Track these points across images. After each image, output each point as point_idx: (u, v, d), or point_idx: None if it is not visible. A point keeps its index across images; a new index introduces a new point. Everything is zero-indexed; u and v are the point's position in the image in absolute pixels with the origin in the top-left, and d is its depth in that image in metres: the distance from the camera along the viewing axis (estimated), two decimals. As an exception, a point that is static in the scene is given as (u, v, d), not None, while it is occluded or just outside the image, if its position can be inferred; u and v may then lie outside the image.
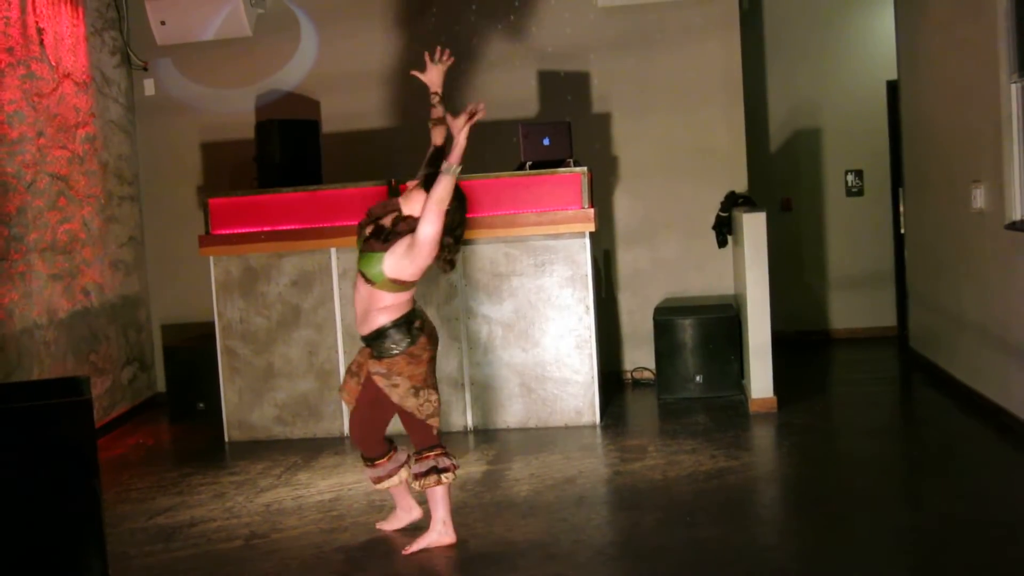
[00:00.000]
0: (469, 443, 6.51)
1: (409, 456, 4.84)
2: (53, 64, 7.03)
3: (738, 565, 4.22)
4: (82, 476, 3.31)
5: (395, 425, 4.74)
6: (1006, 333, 5.97)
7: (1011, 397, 5.92)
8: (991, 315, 6.27)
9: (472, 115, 4.38)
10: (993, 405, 6.19)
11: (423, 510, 4.91)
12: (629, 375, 8.05)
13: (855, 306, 9.37)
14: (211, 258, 6.96)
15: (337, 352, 6.85)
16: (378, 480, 4.83)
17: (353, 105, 8.13)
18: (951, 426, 6.34)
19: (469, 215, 6.50)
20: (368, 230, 4.56)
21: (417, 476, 4.62)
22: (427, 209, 4.32)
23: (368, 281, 4.48)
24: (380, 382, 4.55)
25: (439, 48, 4.69)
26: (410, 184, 4.69)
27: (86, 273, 7.30)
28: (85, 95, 7.48)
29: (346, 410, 6.85)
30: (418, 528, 4.83)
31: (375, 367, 4.57)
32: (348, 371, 4.81)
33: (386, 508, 5.24)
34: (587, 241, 6.72)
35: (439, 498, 4.63)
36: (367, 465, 4.82)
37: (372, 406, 4.67)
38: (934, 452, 5.83)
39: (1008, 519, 4.56)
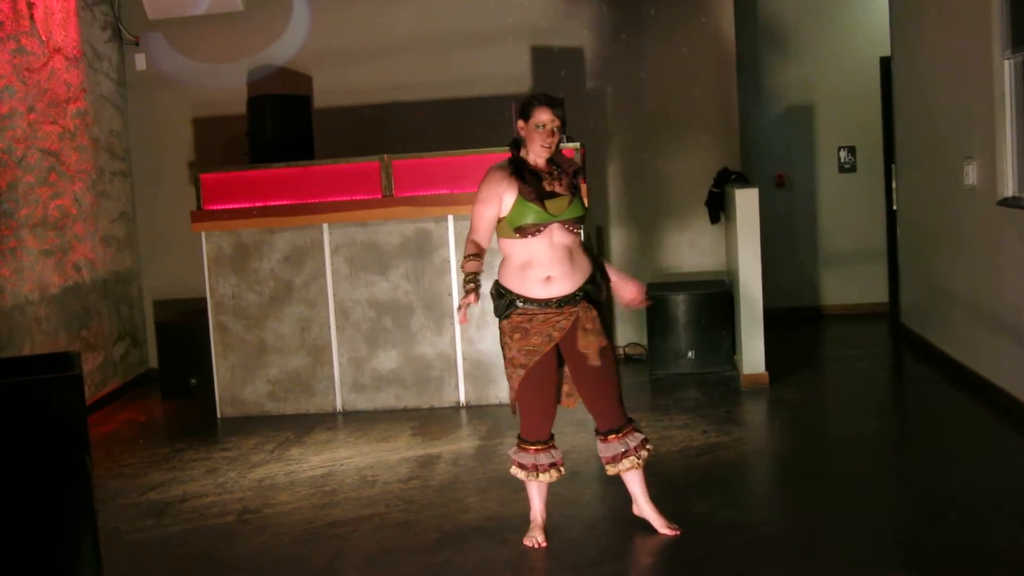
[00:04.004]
0: (461, 419, 6.53)
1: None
2: (43, 39, 6.99)
3: (729, 539, 4.24)
4: (73, 452, 3.31)
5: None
6: (997, 309, 5.99)
7: (1001, 372, 5.95)
8: (982, 291, 6.29)
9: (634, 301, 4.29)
10: (983, 380, 6.21)
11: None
12: (621, 351, 8.05)
13: (847, 282, 9.38)
14: (203, 234, 6.94)
15: (329, 328, 6.85)
16: (618, 459, 4.26)
17: (345, 80, 8.10)
18: (942, 401, 6.38)
19: (460, 191, 6.58)
20: (562, 181, 4.14)
21: (620, 458, 4.27)
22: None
23: (576, 227, 4.13)
24: (594, 341, 4.13)
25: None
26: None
27: (77, 249, 7.28)
28: (76, 70, 7.44)
29: (340, 385, 6.86)
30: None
31: (594, 322, 4.14)
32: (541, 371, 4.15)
33: (379, 483, 5.26)
34: (579, 217, 6.71)
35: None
36: (608, 439, 4.25)
37: (602, 370, 4.16)
38: (924, 427, 5.86)
39: (997, 494, 4.58)
